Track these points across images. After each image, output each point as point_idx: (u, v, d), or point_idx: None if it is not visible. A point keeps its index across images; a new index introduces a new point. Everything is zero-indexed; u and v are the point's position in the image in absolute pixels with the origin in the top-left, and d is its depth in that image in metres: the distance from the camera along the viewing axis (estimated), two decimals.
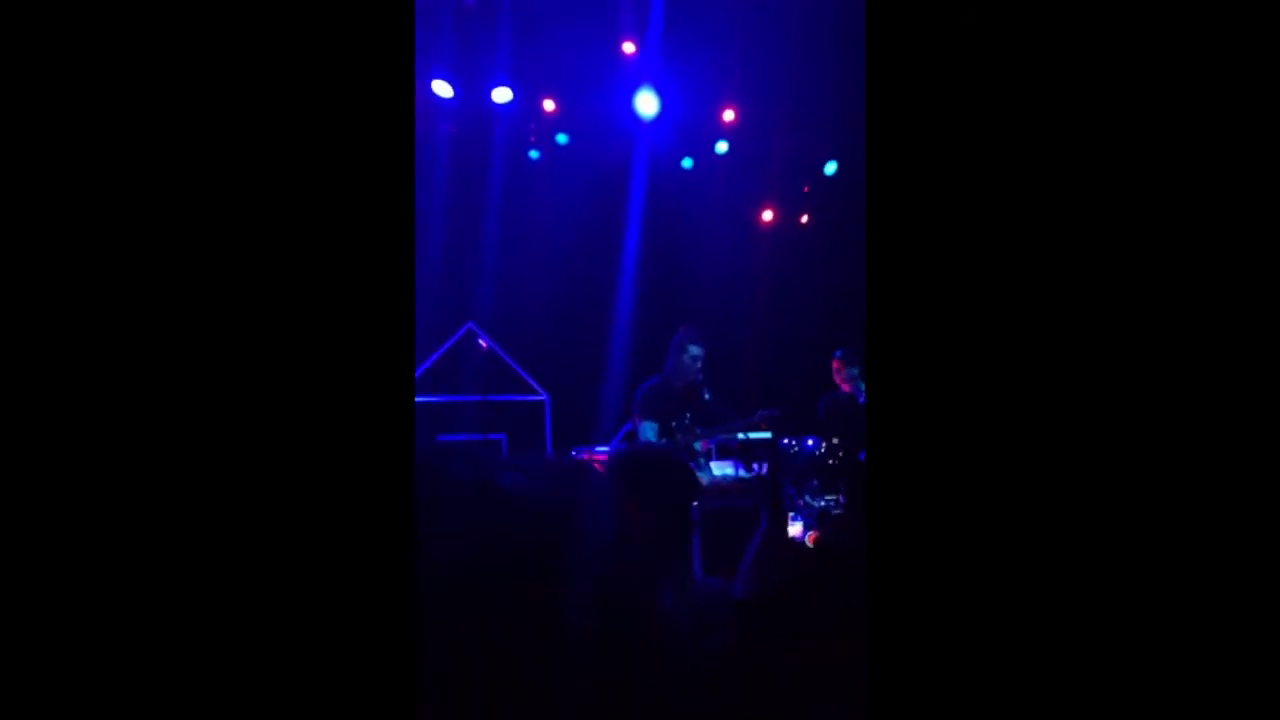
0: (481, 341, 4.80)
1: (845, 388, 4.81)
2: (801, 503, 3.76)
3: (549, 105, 5.31)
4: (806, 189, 5.87)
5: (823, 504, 3.75)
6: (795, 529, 3.54)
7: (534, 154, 5.47)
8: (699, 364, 4.08)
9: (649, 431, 4.05)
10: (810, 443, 4.07)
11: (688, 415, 4.12)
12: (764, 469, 4.08)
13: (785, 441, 3.96)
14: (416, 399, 4.97)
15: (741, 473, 4.33)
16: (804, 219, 6.04)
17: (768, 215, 6.02)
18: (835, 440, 3.97)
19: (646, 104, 5.14)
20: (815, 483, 3.83)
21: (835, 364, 4.83)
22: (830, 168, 5.72)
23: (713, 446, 4.42)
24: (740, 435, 4.11)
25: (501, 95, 5.09)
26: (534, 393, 5.17)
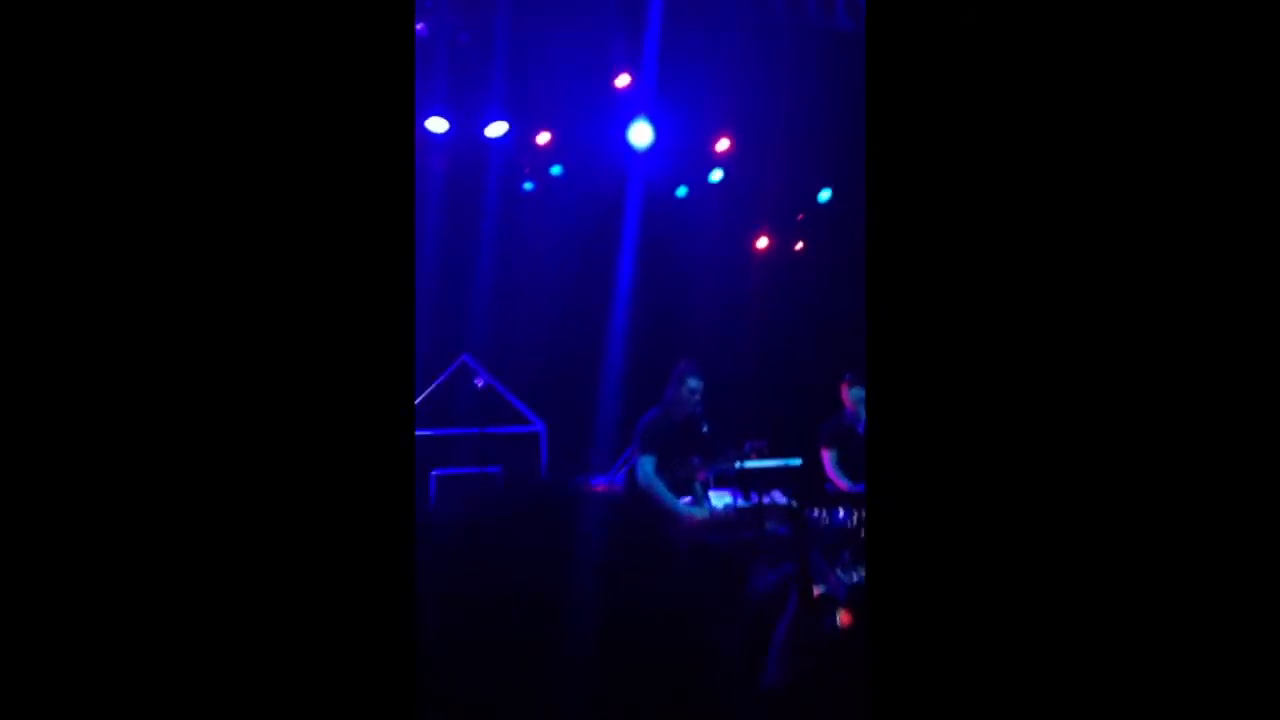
0: (478, 381, 4.77)
1: (850, 408, 4.82)
2: (834, 578, 3.64)
3: (543, 138, 5.34)
4: (800, 216, 5.90)
5: (857, 579, 3.62)
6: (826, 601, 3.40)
7: (528, 185, 5.49)
8: (697, 396, 4.08)
9: (647, 465, 4.02)
10: (841, 514, 4.01)
11: (685, 448, 4.10)
12: (760, 499, 4.04)
13: (814, 513, 3.89)
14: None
15: (740, 502, 4.29)
16: (798, 246, 6.06)
17: (762, 242, 6.04)
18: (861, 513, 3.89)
19: (640, 135, 5.17)
20: (846, 555, 3.72)
21: (844, 385, 4.86)
22: (824, 195, 5.75)
23: (710, 477, 4.39)
24: (737, 465, 4.08)
25: (496, 129, 5.12)
26: (529, 423, 5.14)
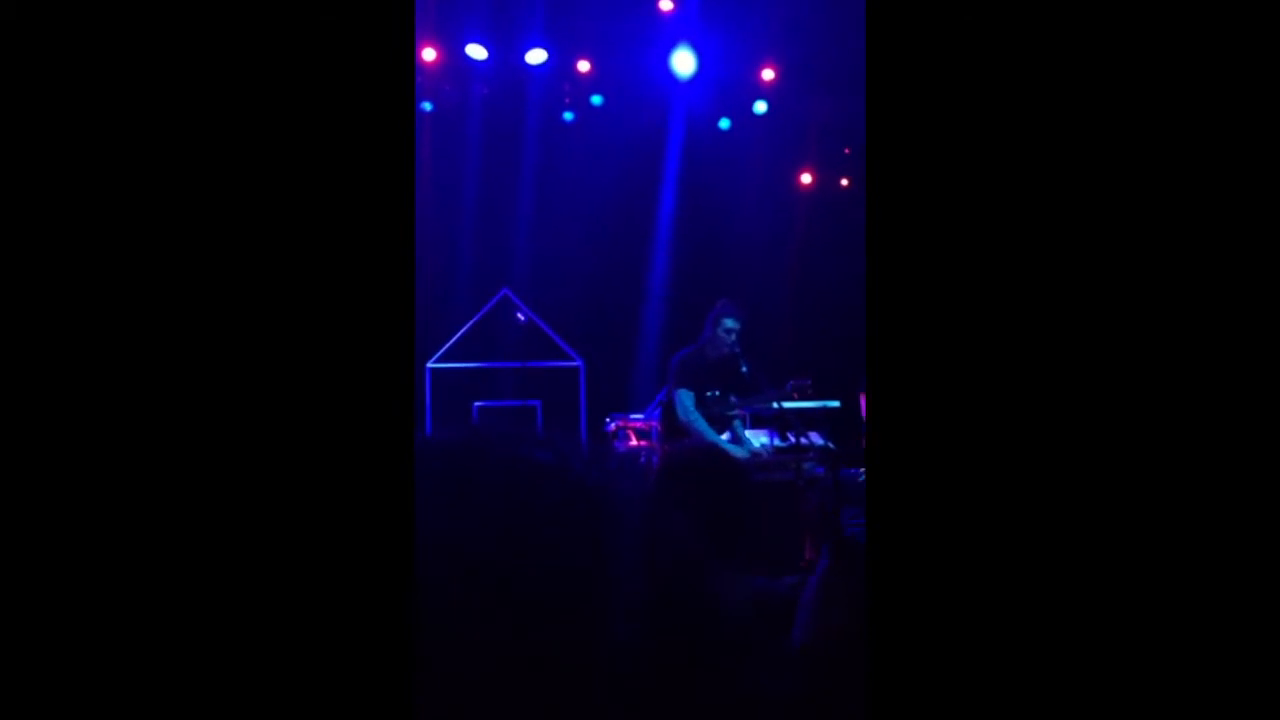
0: (519, 316, 4.81)
1: None
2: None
3: (584, 66, 5.22)
4: (847, 151, 5.74)
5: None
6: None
7: (568, 116, 5.40)
8: (734, 336, 4.07)
9: (686, 399, 4.06)
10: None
11: (722, 386, 4.12)
12: (798, 440, 4.07)
13: (847, 472, 3.87)
14: (454, 365, 5.03)
15: (776, 442, 4.33)
16: (844, 182, 5.92)
17: (807, 178, 5.91)
18: None
19: (683, 63, 5.02)
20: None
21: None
22: None
23: (746, 415, 4.43)
24: (774, 405, 4.10)
25: (536, 57, 5.01)
26: (569, 359, 5.20)
